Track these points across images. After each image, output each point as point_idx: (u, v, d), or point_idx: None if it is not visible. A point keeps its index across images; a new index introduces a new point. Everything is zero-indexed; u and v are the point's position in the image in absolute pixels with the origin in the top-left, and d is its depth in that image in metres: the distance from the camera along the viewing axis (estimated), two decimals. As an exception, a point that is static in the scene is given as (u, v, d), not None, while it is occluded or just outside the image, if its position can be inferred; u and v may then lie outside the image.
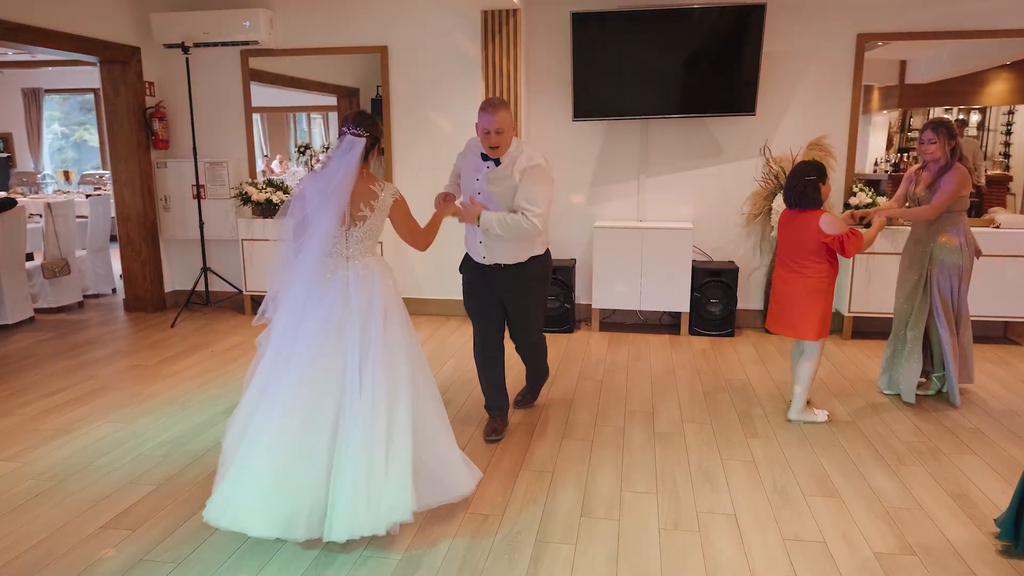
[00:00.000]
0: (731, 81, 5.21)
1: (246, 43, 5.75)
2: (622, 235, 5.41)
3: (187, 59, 5.77)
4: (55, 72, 9.91)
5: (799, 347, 3.80)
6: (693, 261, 5.38)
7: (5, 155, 10.52)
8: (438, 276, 5.91)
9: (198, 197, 6.02)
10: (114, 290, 7.04)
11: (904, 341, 4.02)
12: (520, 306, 3.49)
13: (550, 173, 3.30)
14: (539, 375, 3.93)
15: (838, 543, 2.65)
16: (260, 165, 6.34)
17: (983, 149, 5.52)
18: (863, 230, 3.66)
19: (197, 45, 5.75)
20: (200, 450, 3.45)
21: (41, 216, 6.27)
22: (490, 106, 3.17)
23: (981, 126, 5.56)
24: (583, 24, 5.22)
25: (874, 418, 3.82)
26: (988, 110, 5.48)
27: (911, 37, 5.14)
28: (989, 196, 5.46)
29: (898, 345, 4.08)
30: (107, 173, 8.09)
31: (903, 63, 5.41)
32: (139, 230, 6.13)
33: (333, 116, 6.75)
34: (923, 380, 4.14)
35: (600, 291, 5.51)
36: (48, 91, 10.67)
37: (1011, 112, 5.37)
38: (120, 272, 6.45)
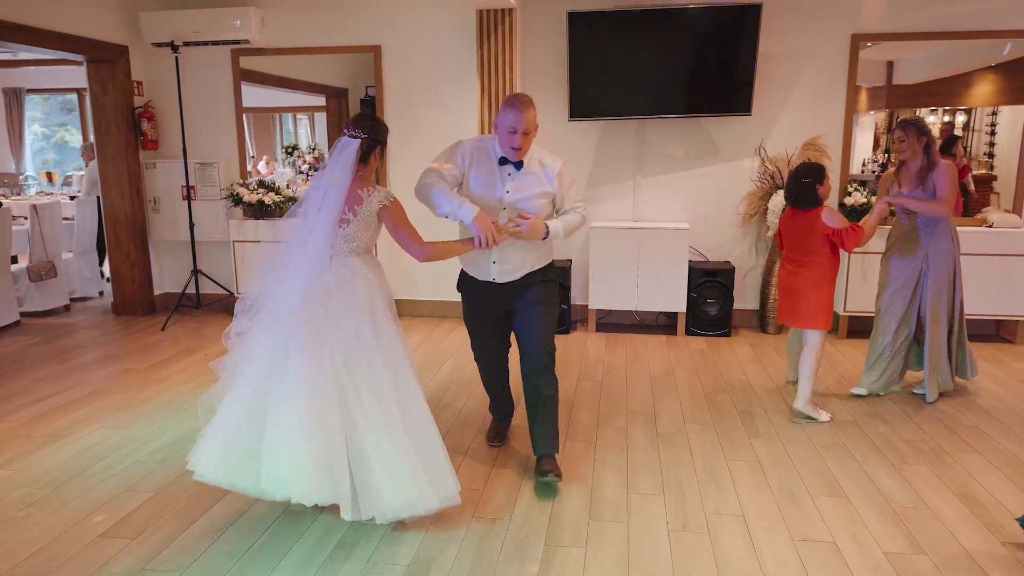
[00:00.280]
0: (727, 81, 5.21)
1: (237, 42, 5.67)
2: (618, 235, 5.39)
3: (176, 58, 5.68)
4: (37, 72, 9.74)
5: (799, 339, 3.82)
6: (689, 261, 5.38)
7: (-15, 156, 10.31)
8: (433, 278, 5.86)
9: (188, 198, 5.93)
10: (101, 293, 6.93)
11: (889, 338, 4.01)
12: (538, 312, 3.11)
13: None
14: (555, 403, 3.14)
15: (848, 544, 2.64)
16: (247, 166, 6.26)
17: (968, 149, 5.58)
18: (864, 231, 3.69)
19: (187, 44, 5.66)
20: (198, 455, 3.38)
21: (26, 218, 6.15)
22: (519, 103, 2.82)
23: (966, 127, 5.62)
24: (579, 23, 5.20)
25: (874, 417, 3.83)
26: (973, 111, 5.55)
27: (906, 38, 5.17)
28: (975, 195, 5.52)
29: (881, 342, 4.05)
30: (84, 173, 7.93)
31: (890, 64, 5.45)
32: (128, 232, 6.03)
33: (320, 117, 6.67)
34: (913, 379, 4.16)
35: (596, 291, 5.49)
36: (30, 91, 10.48)
37: (995, 113, 5.44)
38: (107, 275, 6.33)
